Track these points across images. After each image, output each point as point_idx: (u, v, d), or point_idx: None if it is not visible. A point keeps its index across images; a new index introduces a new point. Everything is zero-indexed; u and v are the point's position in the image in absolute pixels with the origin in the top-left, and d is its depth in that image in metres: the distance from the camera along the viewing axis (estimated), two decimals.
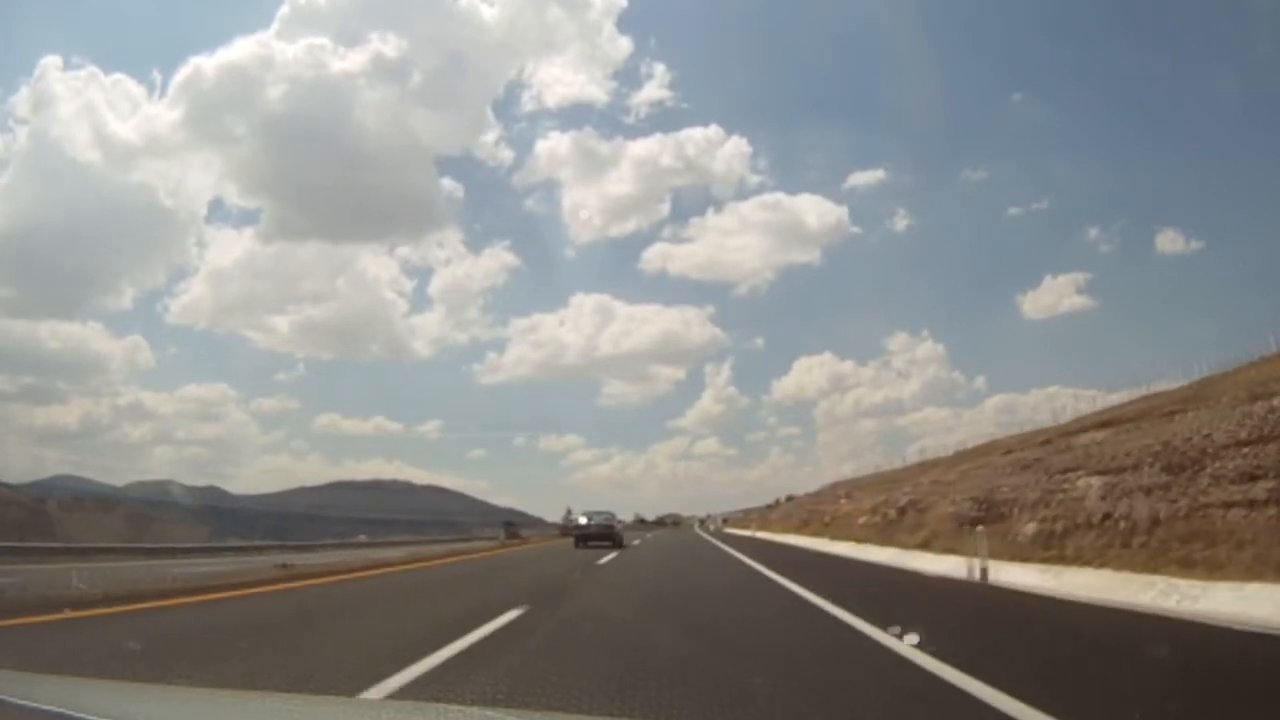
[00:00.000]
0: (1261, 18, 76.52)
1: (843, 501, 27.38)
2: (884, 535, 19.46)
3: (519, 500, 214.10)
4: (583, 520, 27.44)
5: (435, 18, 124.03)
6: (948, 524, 17.36)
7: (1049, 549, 13.04)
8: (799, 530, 28.89)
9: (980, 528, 12.00)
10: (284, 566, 15.90)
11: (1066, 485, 14.59)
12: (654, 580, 12.49)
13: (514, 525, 41.16)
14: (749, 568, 14.93)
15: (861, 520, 22.02)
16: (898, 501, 20.19)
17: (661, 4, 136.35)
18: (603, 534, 25.18)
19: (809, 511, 31.10)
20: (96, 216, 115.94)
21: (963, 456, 26.42)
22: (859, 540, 20.44)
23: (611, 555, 17.83)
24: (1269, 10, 72.42)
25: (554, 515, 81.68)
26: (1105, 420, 19.94)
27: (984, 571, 10.86)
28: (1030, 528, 14.17)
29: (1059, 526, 13.55)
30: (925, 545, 16.77)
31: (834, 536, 23.11)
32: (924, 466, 30.07)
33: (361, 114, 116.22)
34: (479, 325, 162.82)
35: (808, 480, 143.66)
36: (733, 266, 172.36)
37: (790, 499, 54.88)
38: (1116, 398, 23.74)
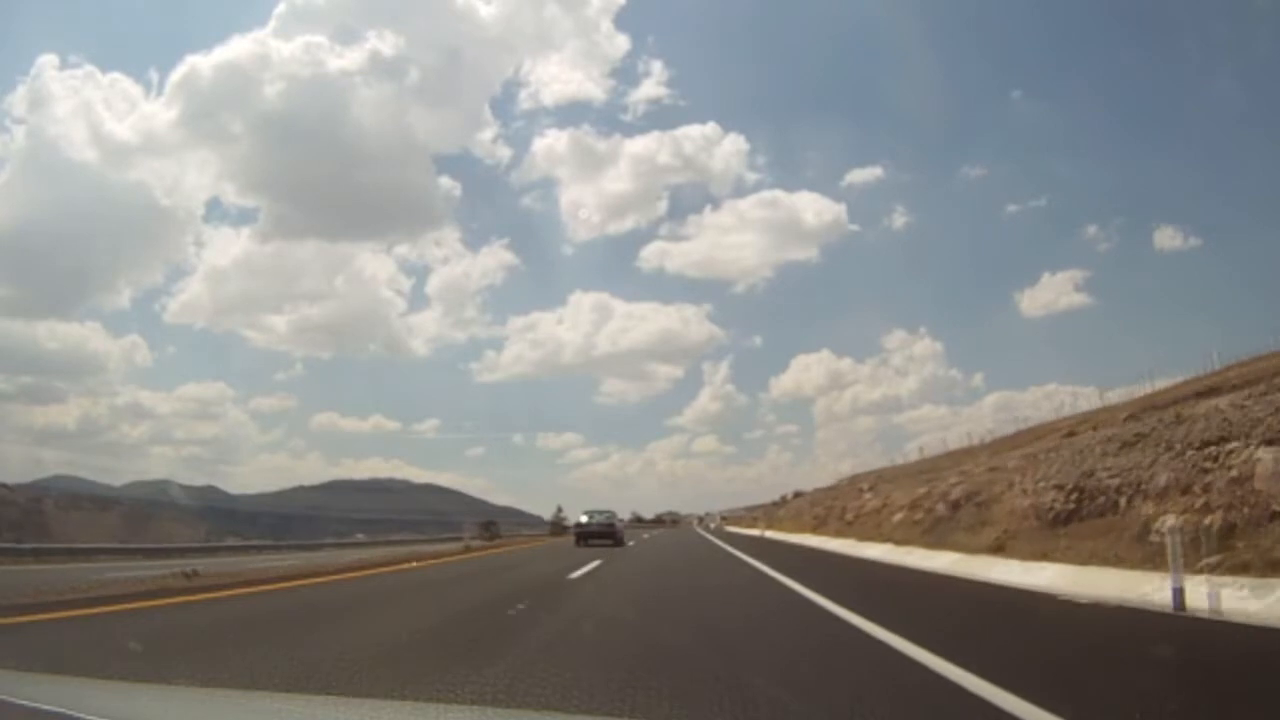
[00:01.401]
0: (1261, 17, 73.55)
1: (866, 496, 23.06)
2: (932, 536, 15.10)
3: (517, 499, 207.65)
4: (584, 519, 27.54)
5: (432, 15, 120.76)
6: (1025, 521, 13.02)
7: (1211, 552, 8.76)
8: (815, 530, 24.51)
9: (1171, 520, 7.70)
10: (190, 575, 11.99)
11: (1212, 464, 10.28)
12: (649, 596, 8.18)
13: (494, 524, 36.43)
14: (801, 599, 10.62)
15: (897, 518, 17.66)
16: (948, 493, 15.85)
17: (660, 1, 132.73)
18: (604, 532, 25.62)
19: (825, 508, 26.75)
20: (94, 216, 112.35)
21: (1005, 442, 22.07)
22: (898, 542, 16.08)
23: (595, 564, 13.47)
24: (1269, 10, 69.18)
25: (551, 514, 77.64)
26: (1207, 388, 15.69)
27: (1180, 594, 6.50)
28: (1169, 523, 9.85)
29: (1217, 520, 9.25)
30: (1000, 549, 12.43)
31: (861, 537, 18.74)
32: (955, 456, 25.68)
33: (359, 112, 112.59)
34: (477, 324, 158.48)
35: (806, 478, 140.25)
36: (731, 264, 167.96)
37: (798, 495, 50.21)
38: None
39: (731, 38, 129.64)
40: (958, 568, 12.13)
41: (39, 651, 4.98)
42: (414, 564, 14.29)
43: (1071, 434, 18.70)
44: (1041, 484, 13.62)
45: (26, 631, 6.01)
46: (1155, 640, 5.23)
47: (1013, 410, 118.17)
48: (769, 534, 30.15)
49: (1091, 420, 18.92)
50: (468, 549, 19.46)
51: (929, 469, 22.60)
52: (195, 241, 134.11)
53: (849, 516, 21.70)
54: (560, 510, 61.50)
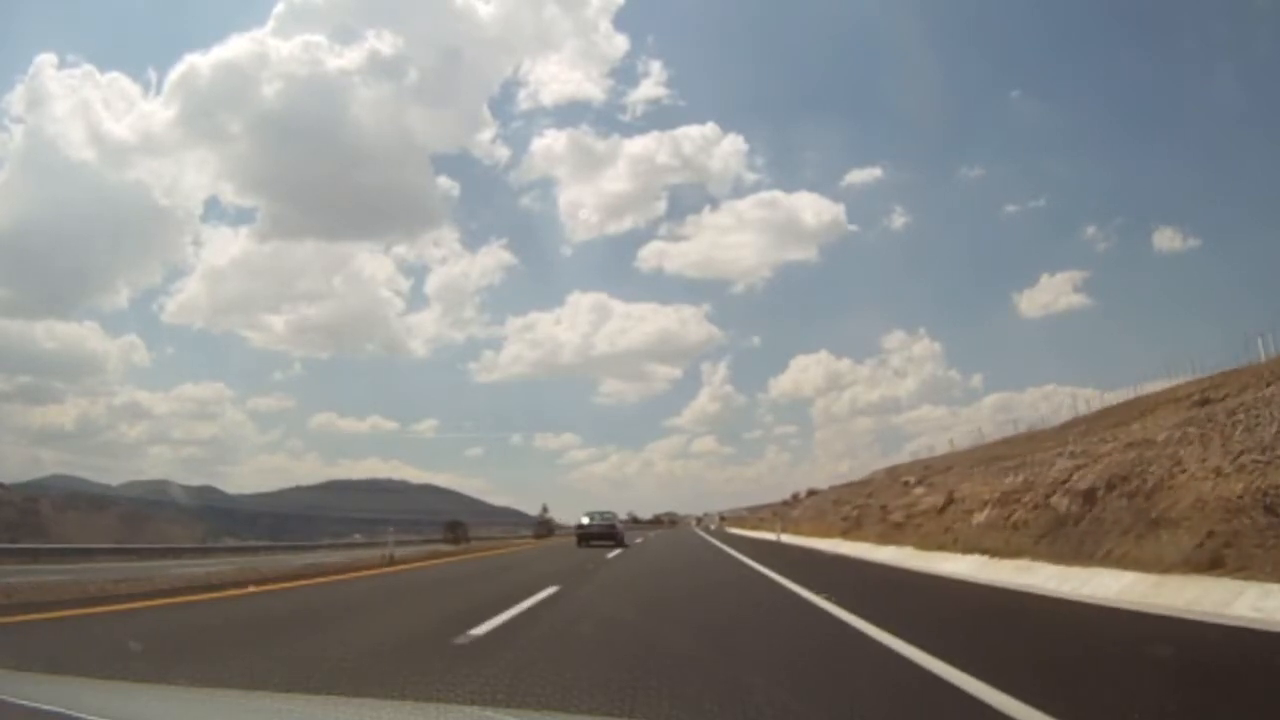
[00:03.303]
0: (1261, 17, 69.71)
1: (917, 491, 17.82)
2: (1055, 544, 9.82)
3: (516, 499, 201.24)
4: (585, 520, 26.47)
5: (431, 15, 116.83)
6: (1241, 516, 7.67)
7: None
8: (847, 534, 19.20)
9: None
10: None
11: None
12: None
13: (460, 525, 30.70)
14: None
15: (980, 517, 12.38)
16: (1068, 481, 10.58)
17: (659, 1, 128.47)
18: (605, 533, 24.77)
19: (856, 507, 21.37)
20: (92, 215, 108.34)
21: (1093, 420, 16.74)
22: (992, 553, 10.82)
23: (544, 594, 8.05)
24: (1269, 10, 65.26)
25: (551, 515, 72.45)
26: None
27: None
28: None
29: None
30: (1218, 564, 7.18)
31: (925, 545, 13.46)
32: (1013, 443, 20.28)
33: (357, 112, 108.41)
34: (475, 324, 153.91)
35: (805, 477, 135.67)
36: (729, 264, 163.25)
37: (813, 493, 44.54)
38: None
39: (731, 38, 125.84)
40: (1160, 600, 6.82)
41: None
42: (251, 588, 8.93)
43: (1205, 401, 13.43)
44: (1254, 458, 8.36)
45: None
46: None
47: (1011, 411, 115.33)
48: (787, 539, 24.74)
49: (1230, 383, 13.67)
50: (391, 560, 14.13)
51: (997, 456, 17.33)
52: (193, 241, 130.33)
53: (896, 517, 16.40)
54: (546, 510, 55.35)
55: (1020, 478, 12.32)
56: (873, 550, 15.09)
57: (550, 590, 8.11)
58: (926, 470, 21.60)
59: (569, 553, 19.22)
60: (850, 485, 32.37)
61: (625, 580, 9.87)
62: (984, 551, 11.06)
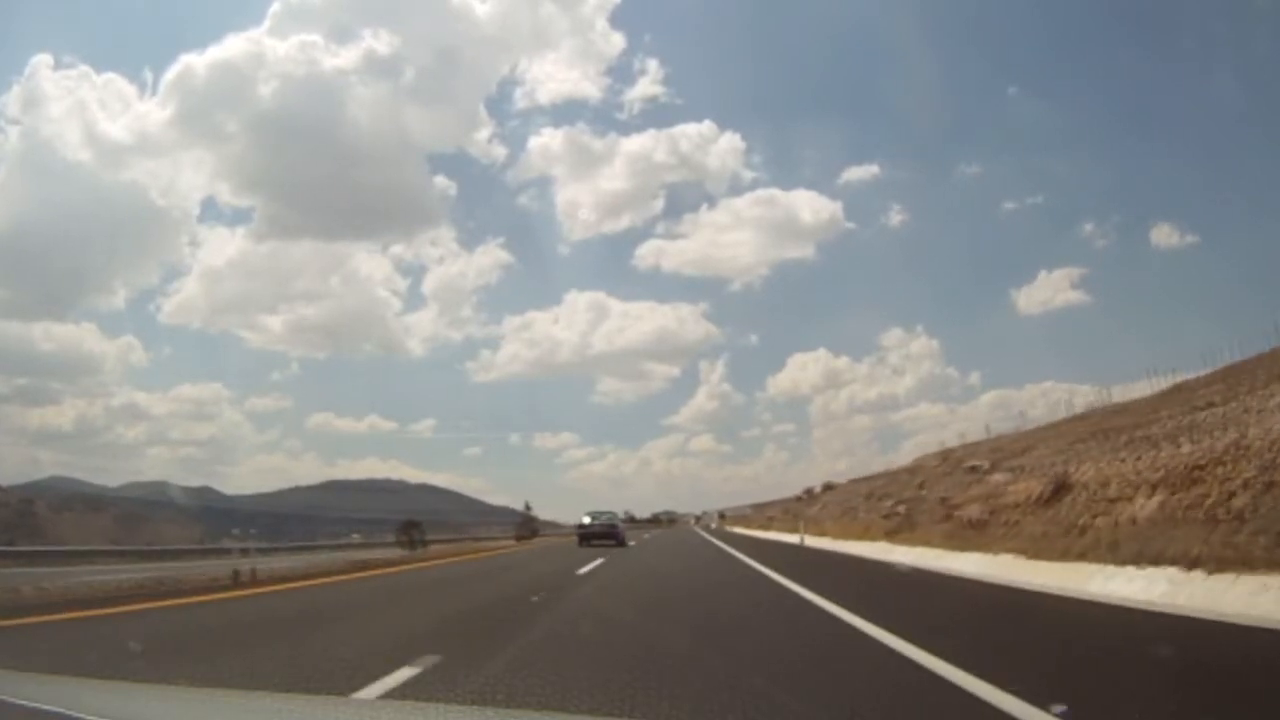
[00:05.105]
0: (1261, 16, 65.91)
1: (995, 478, 13.41)
2: None
3: (514, 499, 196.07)
4: (586, 520, 26.32)
5: (428, 14, 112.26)
6: None
7: None
8: (893, 536, 14.75)
9: None
10: None
11: None
12: None
13: (417, 526, 25.54)
14: None
15: (1141, 509, 7.91)
16: None
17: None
18: (606, 533, 24.46)
19: (902, 501, 16.86)
20: (88, 216, 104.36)
21: (1216, 380, 12.26)
22: (1187, 562, 6.42)
23: (414, 673, 3.79)
24: (1269, 9, 61.56)
25: (549, 514, 68.16)
26: None
27: None
28: None
29: None
30: None
31: (1033, 552, 9.01)
32: (1092, 419, 15.75)
33: (354, 111, 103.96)
34: (473, 323, 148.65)
35: (802, 476, 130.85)
36: (727, 263, 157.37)
37: (830, 487, 39.78)
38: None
39: (728, 36, 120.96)
40: None
41: None
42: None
43: None
44: None
45: None
46: None
47: (1009, 408, 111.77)
48: (811, 541, 20.24)
49: None
50: (252, 577, 9.59)
51: (1098, 430, 12.85)
52: (190, 241, 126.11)
53: (972, 512, 11.95)
54: (529, 508, 49.89)
55: (1198, 446, 7.88)
56: (947, 558, 10.67)
57: (399, 676, 3.67)
58: (996, 452, 17.12)
59: (535, 564, 14.88)
60: (887, 475, 27.62)
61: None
62: (1170, 561, 6.64)
